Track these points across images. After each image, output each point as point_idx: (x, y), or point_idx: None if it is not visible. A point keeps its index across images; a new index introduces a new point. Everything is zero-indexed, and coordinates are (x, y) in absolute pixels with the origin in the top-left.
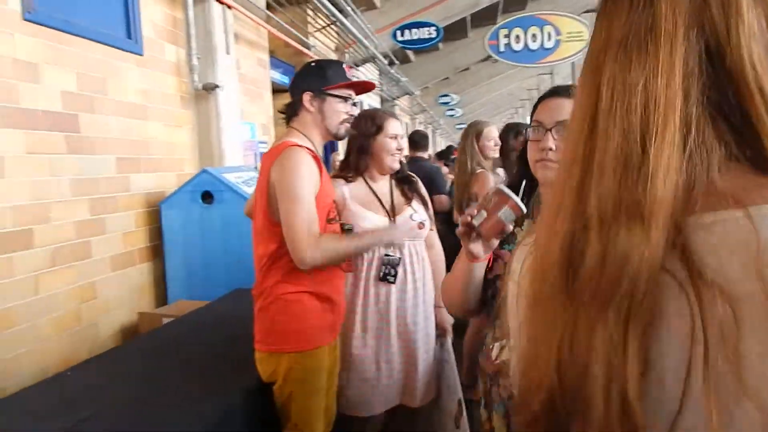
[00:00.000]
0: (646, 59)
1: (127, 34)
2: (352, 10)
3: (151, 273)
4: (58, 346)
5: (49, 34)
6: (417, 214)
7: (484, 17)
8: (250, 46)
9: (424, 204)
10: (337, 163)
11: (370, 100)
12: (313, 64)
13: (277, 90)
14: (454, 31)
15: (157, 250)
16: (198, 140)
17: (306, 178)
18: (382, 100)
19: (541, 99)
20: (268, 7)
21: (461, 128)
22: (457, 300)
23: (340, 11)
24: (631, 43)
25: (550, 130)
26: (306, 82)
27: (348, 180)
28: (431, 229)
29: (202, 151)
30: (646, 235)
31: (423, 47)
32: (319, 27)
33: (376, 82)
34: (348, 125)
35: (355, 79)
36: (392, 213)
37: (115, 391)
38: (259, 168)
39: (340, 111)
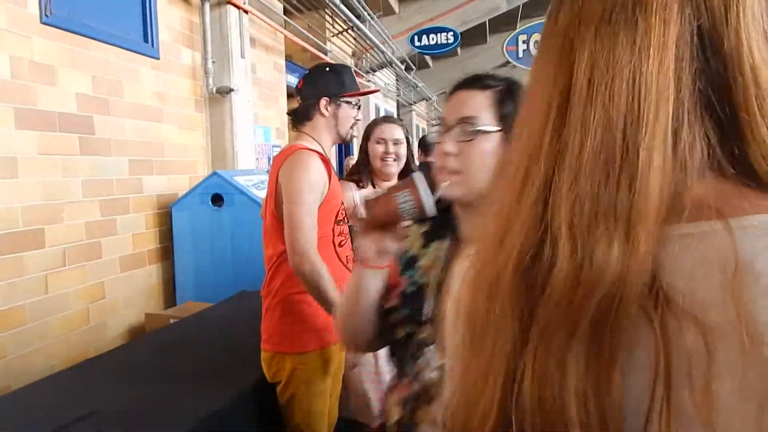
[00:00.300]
0: (635, 36)
1: (144, 38)
2: (370, 15)
3: (160, 274)
4: (66, 346)
5: (66, 37)
6: None
7: (503, 22)
8: (266, 50)
9: None
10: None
11: (387, 105)
12: (327, 69)
13: (292, 94)
14: (473, 37)
15: (166, 252)
16: (211, 143)
17: (313, 183)
18: (399, 105)
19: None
20: (286, 12)
21: None
22: (350, 325)
23: (358, 17)
24: (617, 16)
25: (451, 129)
26: (323, 87)
27: (359, 186)
28: None
29: (215, 153)
30: (631, 245)
31: (440, 53)
32: (337, 32)
33: (393, 87)
34: (354, 130)
35: (367, 89)
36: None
37: (116, 389)
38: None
39: (351, 116)
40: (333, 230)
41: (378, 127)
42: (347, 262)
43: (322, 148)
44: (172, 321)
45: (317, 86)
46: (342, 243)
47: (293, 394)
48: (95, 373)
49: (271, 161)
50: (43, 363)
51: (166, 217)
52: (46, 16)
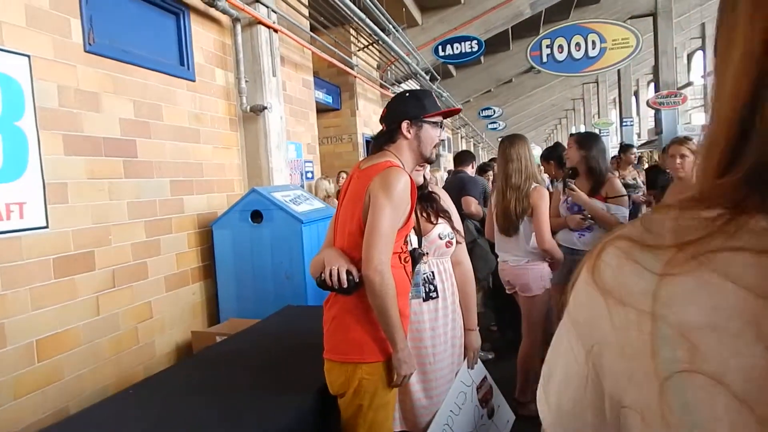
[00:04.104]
0: None
1: (180, 61)
2: (394, 27)
3: (203, 292)
4: (117, 366)
5: (109, 64)
6: (443, 232)
7: (526, 29)
8: (295, 68)
9: (448, 218)
10: None
11: None
12: (407, 94)
13: (321, 110)
14: (496, 44)
15: (208, 270)
16: (246, 161)
17: (403, 201)
18: None
19: None
20: (312, 28)
21: None
22: None
23: (383, 30)
24: None
25: None
26: (403, 111)
27: None
28: (458, 243)
29: (250, 171)
30: None
31: (465, 61)
32: (362, 46)
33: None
34: (438, 149)
35: (446, 108)
36: (419, 233)
37: (178, 406)
38: (317, 185)
39: (434, 136)
40: (402, 247)
41: None
42: (410, 278)
43: (404, 168)
44: (218, 338)
45: (398, 111)
46: (407, 259)
47: (359, 405)
48: (158, 390)
49: (347, 177)
50: (96, 384)
51: (207, 236)
52: (90, 44)
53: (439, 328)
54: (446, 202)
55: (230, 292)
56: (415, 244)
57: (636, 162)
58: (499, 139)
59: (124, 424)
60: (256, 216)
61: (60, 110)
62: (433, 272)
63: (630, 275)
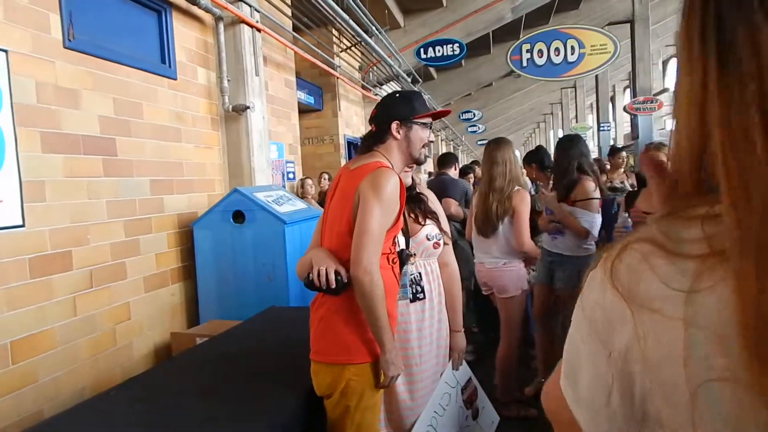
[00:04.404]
0: None
1: (161, 59)
2: (377, 29)
3: (183, 293)
4: (94, 368)
5: (89, 60)
6: (431, 233)
7: (506, 33)
8: (277, 68)
9: (436, 219)
10: None
11: None
12: (397, 95)
13: (302, 111)
14: (477, 48)
15: (188, 271)
16: (228, 161)
17: (392, 201)
18: None
19: None
20: (295, 29)
21: (483, 144)
22: None
23: (365, 31)
24: None
25: None
26: (393, 111)
27: None
28: (446, 244)
29: (232, 171)
30: None
31: (446, 64)
32: (345, 47)
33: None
34: (426, 150)
35: (435, 110)
36: (407, 234)
37: (161, 409)
38: (300, 185)
39: (423, 137)
40: (390, 248)
41: None
42: (398, 279)
43: (393, 169)
44: (198, 340)
45: (389, 111)
46: (395, 260)
47: (347, 406)
48: (135, 394)
49: (335, 176)
50: (72, 386)
51: (187, 236)
52: (69, 40)
53: (425, 329)
54: (434, 203)
55: (210, 293)
56: (403, 245)
57: (632, 165)
58: (479, 143)
59: (102, 429)
60: (238, 216)
61: (38, 107)
62: (420, 273)
63: (656, 281)
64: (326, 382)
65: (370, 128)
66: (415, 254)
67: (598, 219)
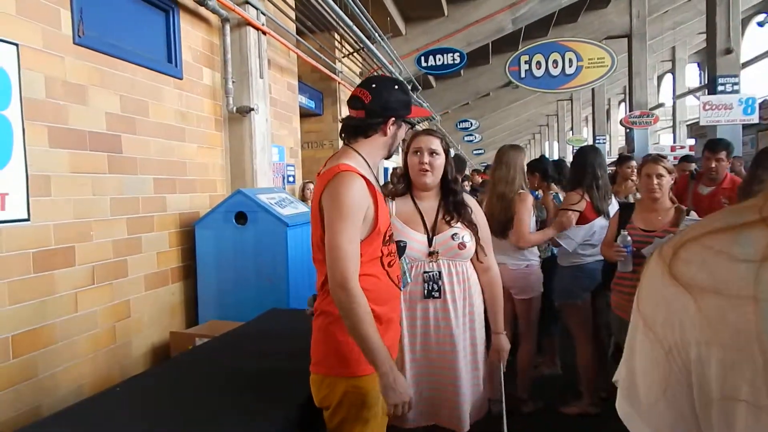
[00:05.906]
0: None
1: (167, 58)
2: (379, 36)
3: (183, 293)
4: (93, 365)
5: (97, 57)
6: (458, 234)
7: (506, 44)
8: (280, 71)
9: (472, 228)
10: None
11: None
12: (396, 86)
13: (303, 115)
14: (476, 58)
15: (189, 270)
16: (230, 162)
17: (355, 208)
18: None
19: None
20: (298, 32)
21: (478, 154)
22: None
23: (368, 37)
24: None
25: None
26: (394, 105)
27: (393, 197)
28: (485, 255)
29: (234, 172)
30: None
31: (446, 73)
32: (347, 53)
33: None
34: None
35: (422, 108)
36: (432, 231)
37: (155, 413)
38: (301, 189)
39: (403, 134)
40: (382, 251)
41: (416, 138)
42: (398, 282)
43: (368, 165)
44: (198, 340)
45: (388, 104)
46: (392, 263)
47: (343, 418)
48: (134, 397)
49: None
50: (71, 382)
51: (189, 236)
52: (79, 36)
53: (440, 329)
54: (476, 215)
55: (210, 293)
56: (420, 241)
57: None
58: (474, 152)
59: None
60: (241, 217)
61: (46, 101)
62: (440, 272)
63: (720, 265)
64: (323, 393)
65: (353, 112)
66: (438, 252)
67: (575, 231)
